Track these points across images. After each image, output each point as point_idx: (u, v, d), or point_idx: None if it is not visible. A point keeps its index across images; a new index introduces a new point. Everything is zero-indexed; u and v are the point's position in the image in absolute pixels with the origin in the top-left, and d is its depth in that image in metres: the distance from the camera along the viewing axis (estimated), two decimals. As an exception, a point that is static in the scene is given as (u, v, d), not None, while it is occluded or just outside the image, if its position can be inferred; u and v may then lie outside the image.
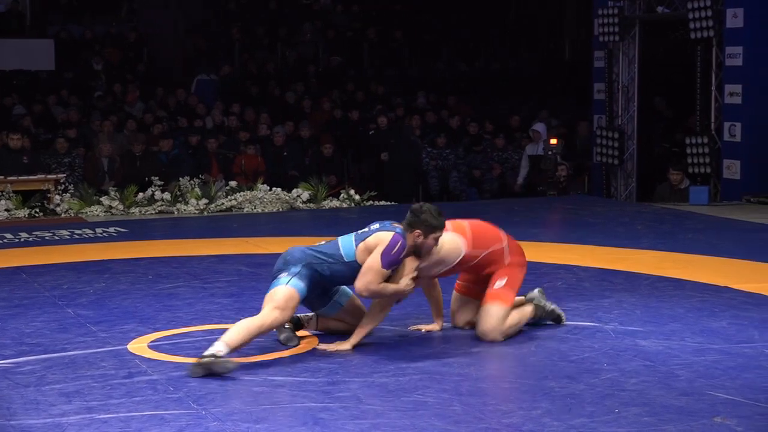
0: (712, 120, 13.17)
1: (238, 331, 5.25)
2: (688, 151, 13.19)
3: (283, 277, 5.46)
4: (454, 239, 5.61)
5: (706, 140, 13.00)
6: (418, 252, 5.51)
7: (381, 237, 5.47)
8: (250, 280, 7.47)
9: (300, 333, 5.78)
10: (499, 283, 5.66)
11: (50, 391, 4.79)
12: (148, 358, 5.36)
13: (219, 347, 5.10)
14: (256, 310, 6.37)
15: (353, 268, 5.48)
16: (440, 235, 5.50)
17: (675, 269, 7.72)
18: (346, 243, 5.55)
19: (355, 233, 5.58)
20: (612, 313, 6.28)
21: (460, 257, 5.61)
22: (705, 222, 10.60)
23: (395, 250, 5.42)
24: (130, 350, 5.53)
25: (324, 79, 17.73)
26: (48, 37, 17.35)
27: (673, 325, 6.01)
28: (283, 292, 5.40)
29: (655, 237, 9.44)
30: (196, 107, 15.95)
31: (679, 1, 13.57)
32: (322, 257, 5.51)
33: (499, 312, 5.59)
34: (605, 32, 14.28)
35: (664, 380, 4.91)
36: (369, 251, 5.46)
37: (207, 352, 5.05)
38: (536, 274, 7.49)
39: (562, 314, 5.97)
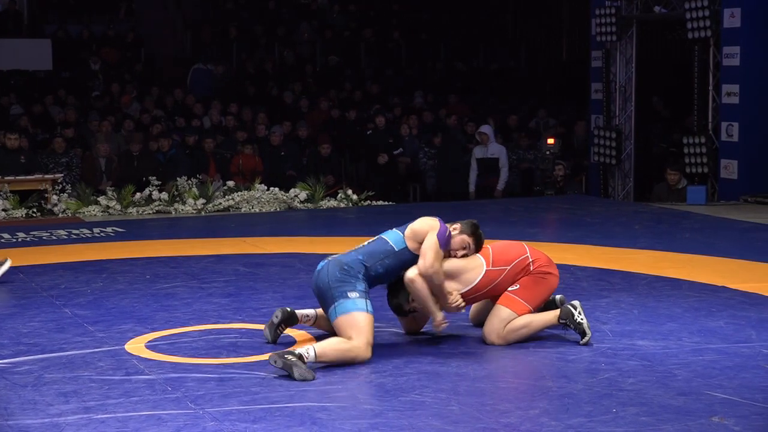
0: (710, 120, 13.18)
1: (332, 347, 5.15)
2: (686, 150, 13.20)
3: (358, 299, 5.28)
4: (476, 258, 5.65)
5: (703, 140, 13.00)
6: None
7: (427, 222, 5.54)
8: (248, 280, 7.47)
9: (294, 333, 5.78)
10: (511, 288, 5.63)
11: (48, 391, 4.79)
12: (146, 358, 5.36)
13: (310, 352, 5.05)
14: (254, 310, 6.40)
15: (403, 258, 5.46)
16: (470, 241, 5.60)
17: (672, 269, 7.72)
18: (391, 236, 5.56)
19: (395, 228, 5.62)
20: (609, 313, 6.29)
21: (483, 273, 5.59)
22: (702, 222, 10.61)
23: (447, 233, 5.51)
24: (128, 350, 5.53)
25: (321, 78, 17.74)
26: (45, 36, 17.35)
27: (671, 324, 6.01)
28: (368, 323, 5.25)
29: (652, 237, 9.45)
30: (193, 107, 15.95)
31: (677, 1, 13.57)
32: (376, 257, 5.46)
33: (501, 315, 5.57)
34: (602, 32, 14.29)
35: (662, 380, 4.91)
36: (417, 236, 5.47)
37: (298, 350, 5.01)
38: (534, 273, 7.49)
39: (588, 333, 5.55)
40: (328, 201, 12.60)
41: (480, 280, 5.58)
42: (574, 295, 6.80)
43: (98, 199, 12.19)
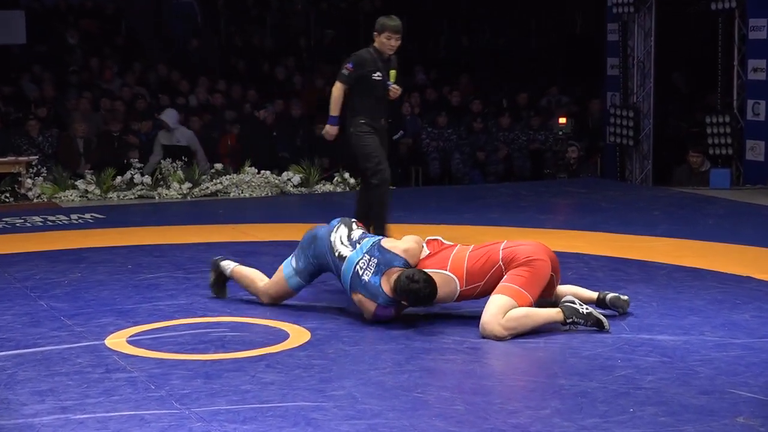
0: (735, 97, 13.17)
1: (247, 276, 6.40)
2: (709, 131, 13.19)
3: (291, 266, 6.22)
4: (450, 282, 5.84)
5: (727, 119, 12.99)
6: None
7: (364, 305, 5.88)
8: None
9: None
10: (501, 282, 5.71)
11: (21, 389, 4.79)
12: (128, 354, 5.36)
13: (229, 266, 6.43)
14: (244, 303, 6.41)
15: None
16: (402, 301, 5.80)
17: (694, 258, 7.73)
18: (345, 277, 5.94)
19: (354, 256, 5.91)
20: (626, 306, 6.28)
21: (456, 296, 5.89)
22: (726, 207, 10.61)
23: (383, 315, 5.86)
24: (108, 345, 5.53)
25: (316, 53, 17.70)
26: (19, 7, 17.27)
27: (692, 318, 6.01)
28: (282, 285, 6.28)
29: (672, 223, 9.45)
30: (178, 84, 15.92)
31: (699, -30, 13.55)
32: (330, 267, 6.10)
33: (498, 302, 5.59)
34: (619, 3, 14.25)
35: (683, 377, 4.91)
36: (361, 305, 5.90)
37: (222, 263, 6.47)
38: (545, 263, 7.49)
39: (603, 318, 5.68)
40: (324, 185, 12.60)
41: (455, 299, 5.92)
42: (589, 285, 6.79)
43: (76, 182, 12.19)
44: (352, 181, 12.62)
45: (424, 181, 14.71)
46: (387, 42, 7.94)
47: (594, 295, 6.07)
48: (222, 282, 6.55)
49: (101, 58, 16.50)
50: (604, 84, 15.31)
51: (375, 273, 5.80)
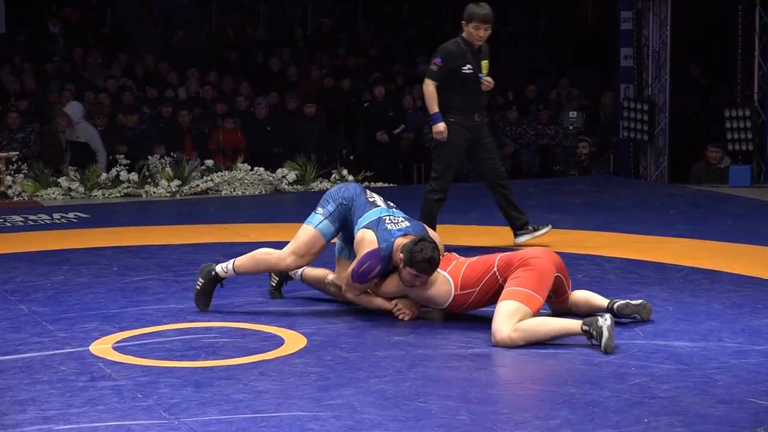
0: (755, 90, 13.17)
1: (252, 258, 6.22)
2: (728, 125, 13.21)
3: (318, 215, 6.20)
4: (445, 282, 5.94)
5: (748, 113, 13.00)
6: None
7: (363, 244, 5.97)
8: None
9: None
10: (506, 288, 5.72)
11: (2, 399, 4.79)
12: (113, 361, 5.36)
13: (227, 268, 6.23)
14: (236, 306, 6.41)
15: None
16: (417, 274, 5.85)
17: (712, 260, 7.73)
18: (367, 218, 6.08)
19: (388, 214, 6.10)
20: (641, 310, 6.29)
21: (450, 299, 5.93)
22: (746, 206, 10.61)
23: (362, 268, 5.95)
24: (93, 352, 5.53)
25: (312, 43, 17.72)
26: (-4, -5, 17.31)
27: (710, 323, 6.01)
28: (309, 236, 6.15)
29: (689, 223, 9.45)
30: (167, 75, 15.94)
31: (718, -45, 13.57)
32: (355, 213, 6.14)
33: (507, 307, 5.59)
34: (633, -10, 14.28)
35: (700, 386, 4.92)
36: (357, 246, 6.03)
37: (215, 268, 6.25)
38: (554, 265, 7.49)
39: (605, 334, 5.41)
40: (321, 182, 12.60)
41: (449, 304, 5.96)
42: (601, 288, 6.80)
43: (59, 180, 12.20)
44: (350, 178, 12.63)
45: (427, 179, 14.68)
46: (475, 32, 7.89)
47: (605, 302, 6.06)
48: (280, 284, 6.67)
49: (85, 48, 16.52)
50: (617, 76, 15.31)
51: (399, 230, 6.00)
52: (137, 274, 7.43)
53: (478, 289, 5.85)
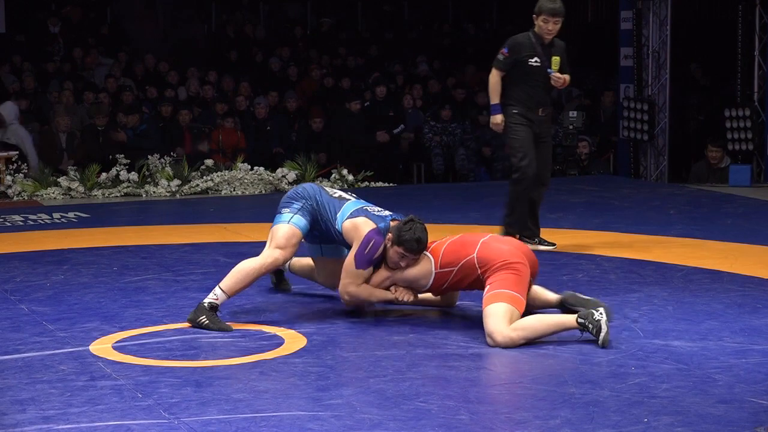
0: (755, 89, 13.17)
1: (236, 275, 5.94)
2: (728, 124, 13.20)
3: (286, 213, 6.08)
4: (427, 261, 5.98)
5: (748, 112, 13.00)
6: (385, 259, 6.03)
7: (360, 228, 5.95)
8: (229, 271, 7.46)
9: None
10: (489, 289, 5.71)
11: (2, 398, 4.79)
12: (113, 361, 5.36)
13: (217, 293, 5.89)
14: (236, 306, 6.41)
15: (335, 237, 6.11)
16: (405, 254, 5.89)
17: (712, 259, 7.73)
18: (347, 209, 6.07)
19: (365, 205, 6.10)
20: (641, 310, 6.29)
21: (432, 278, 5.97)
22: (746, 206, 10.61)
23: (368, 249, 5.92)
24: (93, 352, 5.53)
25: (313, 43, 17.71)
26: (-4, -5, 17.30)
27: (710, 323, 6.02)
28: (284, 230, 6.01)
29: (689, 223, 9.45)
30: (167, 75, 15.93)
31: (718, -46, 13.58)
32: (325, 209, 6.08)
33: (496, 310, 5.58)
34: (633, -11, 14.28)
35: (700, 386, 4.92)
36: (348, 235, 5.99)
37: (205, 301, 5.88)
38: (555, 265, 7.50)
39: (605, 329, 5.47)
40: (321, 182, 12.60)
41: (431, 284, 6.00)
42: (601, 289, 6.82)
43: (58, 179, 12.20)
44: (350, 177, 12.64)
45: (427, 178, 14.72)
46: (544, 26, 7.85)
47: (555, 297, 6.03)
48: (281, 276, 6.78)
49: (85, 47, 16.51)
50: (617, 75, 15.31)
51: (389, 214, 6.05)
52: (137, 273, 7.44)
53: (456, 269, 5.88)
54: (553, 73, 7.89)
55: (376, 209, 6.10)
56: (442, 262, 5.92)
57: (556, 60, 7.96)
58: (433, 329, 5.92)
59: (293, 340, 5.72)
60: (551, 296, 6.03)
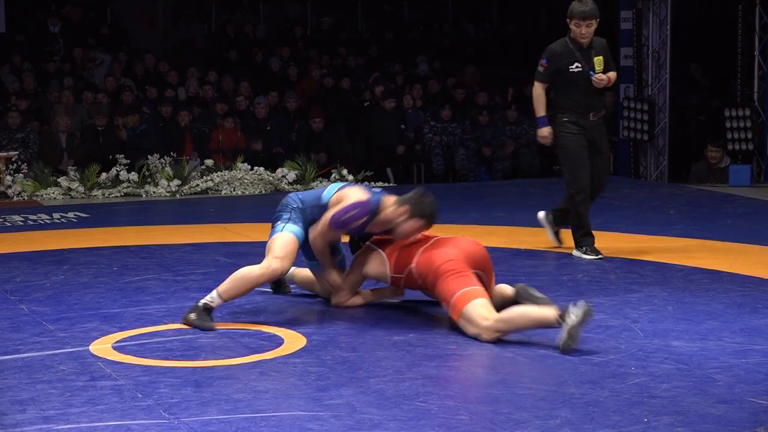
0: (755, 89, 13.17)
1: (234, 281, 5.96)
2: (728, 124, 13.20)
3: (279, 224, 6.10)
4: (382, 262, 6.10)
5: (747, 112, 13.00)
6: (392, 232, 6.06)
7: (348, 195, 6.03)
8: (229, 272, 7.41)
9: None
10: (447, 308, 5.77)
11: (1, 398, 4.79)
12: (113, 361, 5.36)
13: (213, 296, 5.91)
14: (236, 306, 6.41)
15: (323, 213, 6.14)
16: (421, 227, 5.97)
17: (712, 259, 7.73)
18: (333, 187, 6.20)
19: (350, 183, 6.24)
20: (641, 310, 6.29)
21: (389, 280, 6.13)
22: (746, 205, 10.61)
23: (348, 215, 5.97)
24: (93, 352, 5.53)
25: (313, 42, 17.71)
26: (-4, -5, 17.30)
27: (710, 323, 6.02)
28: (279, 239, 6.03)
29: (689, 223, 9.45)
30: (167, 75, 15.93)
31: (718, -46, 13.58)
32: (308, 201, 6.16)
33: (470, 312, 5.59)
34: (633, -11, 14.28)
35: (700, 386, 4.92)
36: (338, 201, 6.05)
37: (201, 301, 5.91)
38: (555, 265, 7.50)
39: (572, 319, 5.35)
40: (320, 182, 12.60)
41: (390, 285, 6.20)
42: (601, 289, 6.81)
43: (58, 179, 12.20)
44: (350, 177, 12.64)
45: (427, 178, 14.72)
46: (577, 30, 7.74)
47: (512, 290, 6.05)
48: (280, 282, 6.71)
49: (85, 47, 16.52)
50: (617, 75, 15.28)
51: (379, 191, 6.16)
52: (137, 274, 7.44)
53: (405, 274, 5.99)
54: (594, 76, 7.74)
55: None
56: (395, 267, 6.04)
57: (598, 60, 7.82)
58: (433, 329, 5.92)
59: (293, 340, 5.72)
60: (508, 290, 6.06)
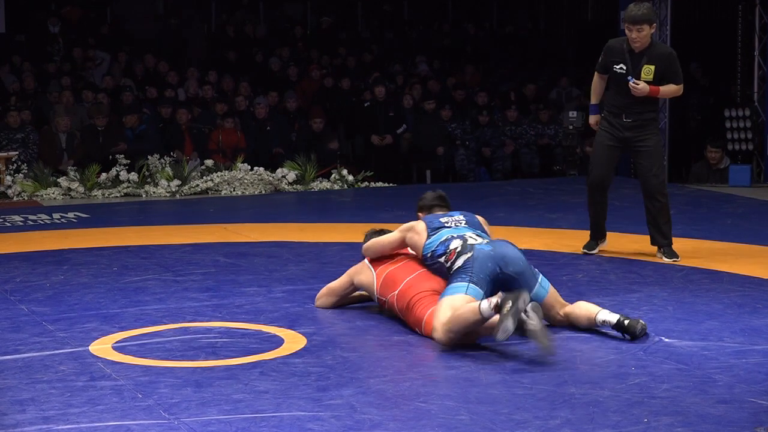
0: (755, 90, 13.17)
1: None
2: (728, 125, 13.20)
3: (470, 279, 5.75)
4: (371, 280, 6.14)
5: (747, 113, 13.00)
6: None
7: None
8: (229, 272, 7.47)
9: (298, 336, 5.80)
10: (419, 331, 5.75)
11: (1, 399, 4.79)
12: (113, 361, 5.36)
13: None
14: (236, 306, 6.41)
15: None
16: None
17: (712, 259, 7.73)
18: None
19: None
20: (641, 310, 6.29)
21: (377, 299, 6.11)
22: (746, 206, 10.61)
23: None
24: (93, 352, 5.53)
25: (312, 42, 17.71)
26: (-4, -5, 17.30)
27: (710, 323, 6.02)
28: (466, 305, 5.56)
29: (689, 223, 9.45)
30: (166, 75, 15.93)
31: (718, -46, 13.58)
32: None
33: (437, 324, 5.56)
34: (633, -11, 14.26)
35: (700, 386, 4.92)
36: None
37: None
38: (554, 265, 7.50)
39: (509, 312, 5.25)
40: (321, 182, 12.60)
41: (380, 305, 6.14)
42: (601, 289, 6.81)
43: (58, 180, 12.20)
44: (350, 178, 12.63)
45: (432, 179, 14.71)
46: (628, 34, 7.66)
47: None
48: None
49: (85, 47, 16.52)
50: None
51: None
52: (137, 274, 7.44)
53: (388, 298, 5.97)
54: (631, 81, 7.63)
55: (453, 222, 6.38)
56: (381, 289, 6.04)
57: (648, 69, 7.69)
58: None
59: (293, 340, 5.72)
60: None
